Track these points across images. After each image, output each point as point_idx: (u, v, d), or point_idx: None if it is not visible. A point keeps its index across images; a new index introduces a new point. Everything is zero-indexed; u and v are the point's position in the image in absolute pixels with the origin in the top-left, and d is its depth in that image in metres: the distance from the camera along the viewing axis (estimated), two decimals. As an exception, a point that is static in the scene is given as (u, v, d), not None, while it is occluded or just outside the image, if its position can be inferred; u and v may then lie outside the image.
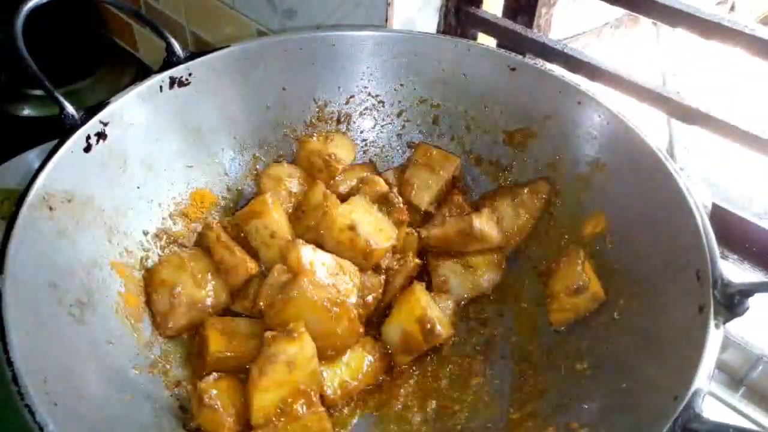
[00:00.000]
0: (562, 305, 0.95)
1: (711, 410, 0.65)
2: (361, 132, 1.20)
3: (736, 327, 1.04)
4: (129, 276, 0.94)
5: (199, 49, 1.04)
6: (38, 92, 1.78)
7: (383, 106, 1.18)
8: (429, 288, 1.03)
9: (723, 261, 0.77)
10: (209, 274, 0.97)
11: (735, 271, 1.11)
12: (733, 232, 1.12)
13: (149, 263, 0.98)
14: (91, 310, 0.84)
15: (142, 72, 1.90)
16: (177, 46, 1.00)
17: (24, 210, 0.79)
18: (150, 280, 0.96)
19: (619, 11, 1.37)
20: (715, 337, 0.70)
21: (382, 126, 1.19)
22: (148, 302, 0.95)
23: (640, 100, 1.07)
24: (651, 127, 0.98)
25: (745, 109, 1.16)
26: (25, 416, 0.65)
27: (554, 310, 0.96)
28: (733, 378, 1.05)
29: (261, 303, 0.90)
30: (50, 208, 0.83)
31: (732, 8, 1.71)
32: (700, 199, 0.83)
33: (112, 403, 0.79)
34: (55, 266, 0.82)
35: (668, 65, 1.35)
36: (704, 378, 0.68)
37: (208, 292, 0.97)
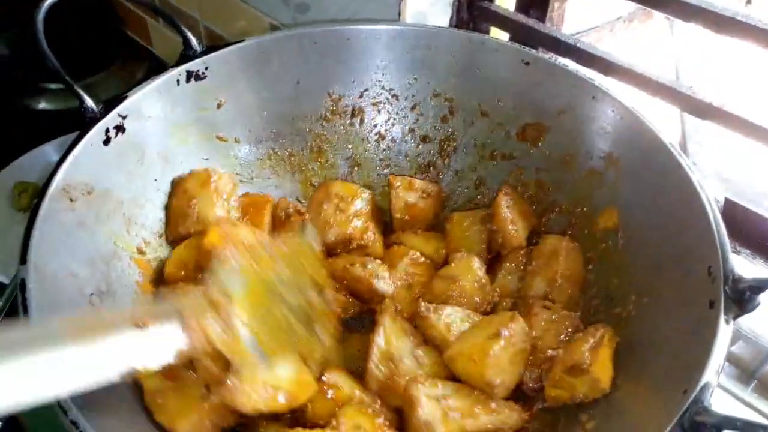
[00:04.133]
0: (556, 380, 0.85)
1: (722, 404, 0.66)
2: (375, 126, 1.20)
3: (747, 321, 1.04)
4: (146, 266, 0.96)
5: (212, 43, 1.05)
6: (54, 86, 1.79)
7: (397, 100, 1.18)
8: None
9: (735, 256, 0.77)
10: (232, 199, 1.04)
11: (747, 266, 1.11)
12: (746, 227, 1.12)
13: (166, 253, 1.00)
14: (111, 299, 0.86)
15: (156, 66, 1.91)
16: (194, 41, 1.01)
17: (46, 202, 0.81)
18: (176, 188, 1.02)
19: (632, 5, 1.37)
20: (724, 332, 0.71)
21: (395, 120, 1.20)
22: (168, 207, 1.02)
23: (653, 94, 1.06)
24: (664, 121, 0.98)
25: (759, 104, 1.15)
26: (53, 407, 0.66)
27: (549, 383, 0.86)
28: (745, 372, 1.05)
29: None
30: (71, 200, 0.85)
31: (749, 1, 1.69)
32: (712, 194, 0.83)
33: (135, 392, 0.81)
34: (76, 256, 0.84)
35: (682, 60, 1.35)
36: (713, 373, 0.68)
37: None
